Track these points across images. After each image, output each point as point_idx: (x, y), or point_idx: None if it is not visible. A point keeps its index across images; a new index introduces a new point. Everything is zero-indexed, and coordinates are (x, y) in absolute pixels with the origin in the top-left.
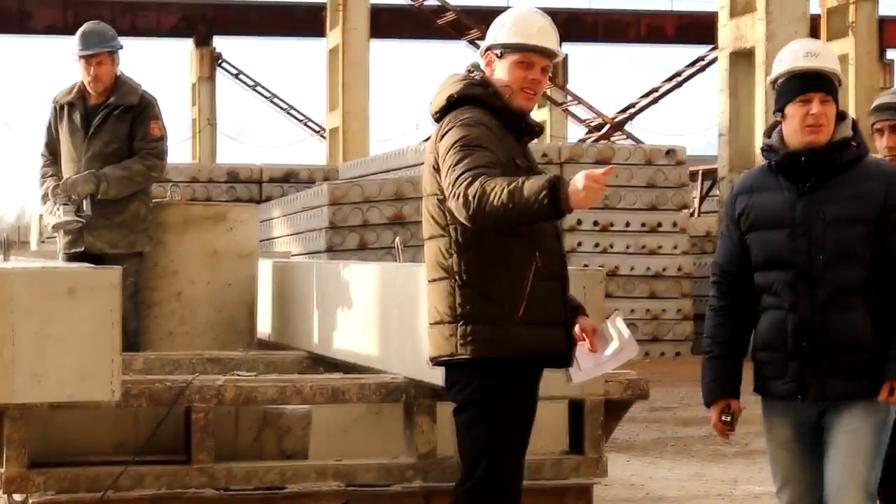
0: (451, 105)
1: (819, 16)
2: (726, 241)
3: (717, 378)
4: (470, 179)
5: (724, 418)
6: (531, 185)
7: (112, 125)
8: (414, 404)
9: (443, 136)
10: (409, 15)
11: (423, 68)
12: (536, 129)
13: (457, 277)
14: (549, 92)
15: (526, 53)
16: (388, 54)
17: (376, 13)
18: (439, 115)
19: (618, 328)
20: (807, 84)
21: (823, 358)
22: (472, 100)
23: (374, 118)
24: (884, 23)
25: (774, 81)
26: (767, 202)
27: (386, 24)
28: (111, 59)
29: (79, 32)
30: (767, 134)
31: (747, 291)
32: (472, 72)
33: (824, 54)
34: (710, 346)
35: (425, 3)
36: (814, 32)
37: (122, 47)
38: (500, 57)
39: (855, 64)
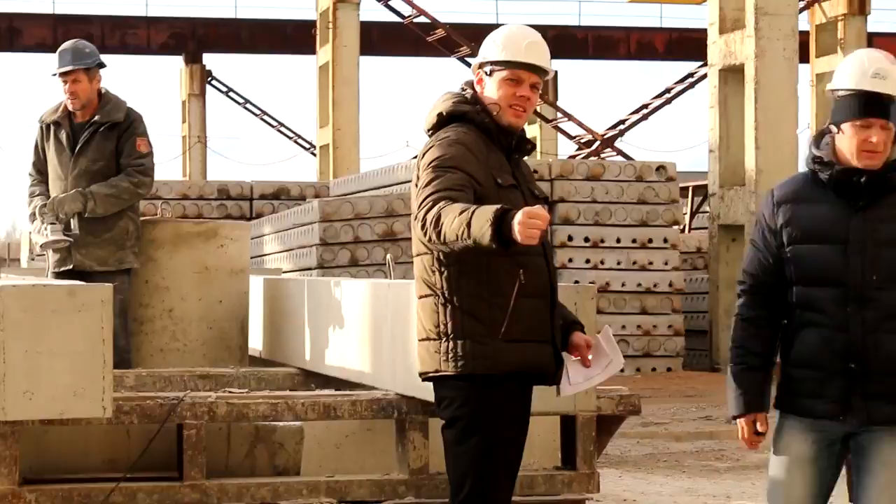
0: (442, 122)
1: (808, 32)
2: (760, 251)
3: (750, 391)
4: (430, 204)
5: (758, 430)
6: (479, 216)
7: (98, 143)
8: (406, 420)
9: (424, 153)
10: (399, 32)
11: (414, 85)
12: (527, 146)
13: (441, 294)
14: (539, 108)
15: (515, 70)
16: (378, 71)
17: (367, 30)
18: (429, 132)
19: (608, 342)
20: (870, 108)
21: (871, 381)
22: (461, 117)
23: (365, 135)
24: (874, 38)
25: (834, 91)
26: (816, 215)
27: (376, 41)
28: (87, 76)
29: (58, 51)
30: (816, 143)
31: (779, 304)
32: (465, 89)
33: (892, 76)
34: (742, 357)
35: (415, 20)
36: (803, 48)
37: (101, 64)
38: (490, 74)
39: None
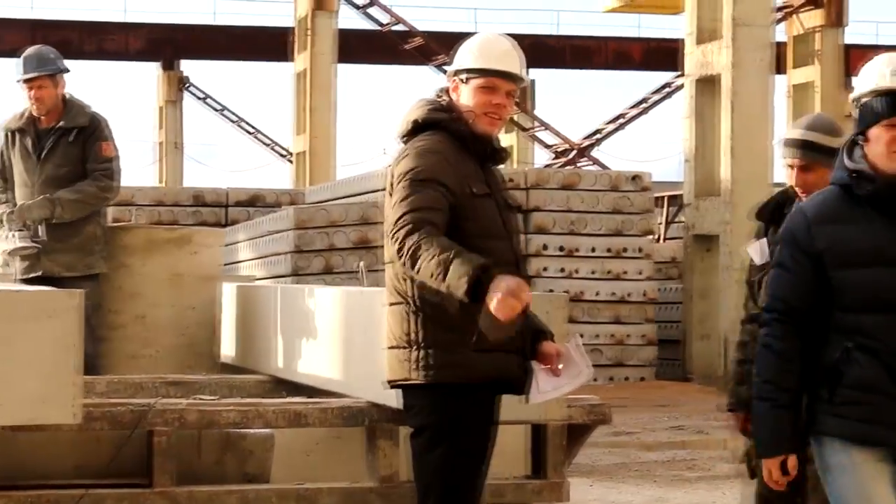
0: (415, 129)
1: (785, 43)
2: (794, 275)
3: (781, 431)
4: (410, 227)
5: (787, 471)
6: (458, 267)
7: (63, 148)
8: (376, 428)
9: (398, 162)
10: (376, 39)
11: (391, 92)
12: (502, 155)
13: (411, 302)
14: (515, 117)
15: (490, 78)
16: (355, 78)
17: (343, 37)
18: (404, 139)
19: (577, 352)
20: (894, 106)
21: None
22: (436, 125)
23: (342, 142)
24: (850, 50)
25: (857, 100)
26: (862, 237)
27: (353, 49)
28: (52, 81)
29: (21, 57)
30: (849, 156)
31: (812, 332)
32: (440, 96)
33: None
34: (771, 394)
35: (393, 27)
36: (780, 60)
37: (66, 70)
38: (465, 82)
39: (821, 91)
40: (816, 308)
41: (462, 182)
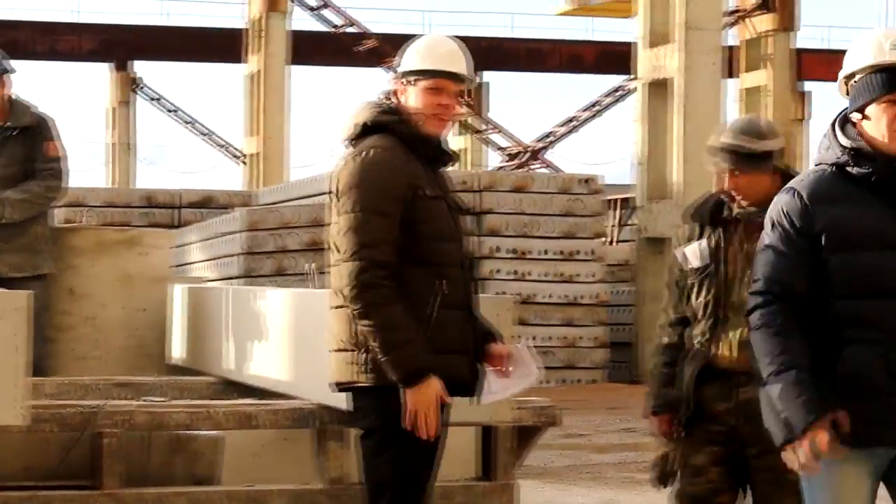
0: (362, 132)
1: (736, 47)
2: (789, 258)
3: (813, 395)
4: (364, 279)
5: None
6: (401, 355)
7: (9, 148)
8: (325, 430)
9: (344, 167)
10: (329, 41)
11: (345, 95)
12: (449, 157)
13: None
14: (468, 120)
15: (436, 79)
16: (309, 80)
17: (296, 39)
18: (350, 142)
19: (525, 354)
20: (894, 82)
21: None
22: (383, 127)
23: (295, 144)
24: (801, 54)
25: (850, 77)
26: (860, 217)
27: (306, 51)
28: None
29: None
30: (843, 134)
31: (809, 319)
32: (386, 99)
33: None
34: (788, 364)
35: (346, 29)
36: (731, 63)
37: (11, 70)
38: (412, 84)
39: (772, 95)
40: (811, 294)
41: (411, 184)
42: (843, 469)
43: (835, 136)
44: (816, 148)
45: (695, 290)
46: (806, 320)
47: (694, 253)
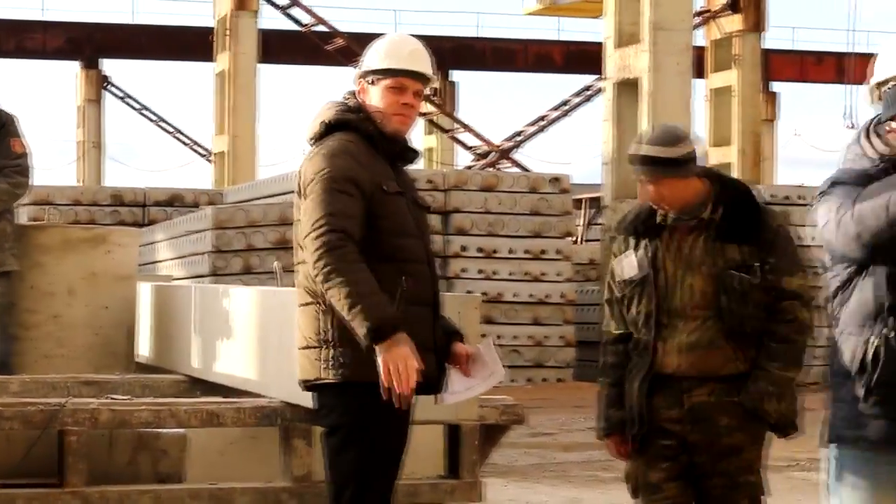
0: (325, 131)
1: (704, 47)
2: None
3: None
4: (328, 240)
5: None
6: (368, 311)
7: None
8: (290, 428)
9: (308, 162)
10: (298, 40)
11: (314, 93)
12: (411, 154)
13: (323, 302)
14: (436, 119)
15: (398, 78)
16: (279, 78)
17: (265, 38)
18: (314, 141)
19: (489, 353)
20: None
21: None
22: (345, 125)
23: (265, 143)
24: (769, 55)
25: (882, 83)
26: None
27: (275, 49)
28: None
29: None
30: (869, 144)
31: None
32: (348, 98)
33: None
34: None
35: (314, 28)
36: (699, 63)
37: None
38: (374, 83)
39: (739, 95)
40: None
41: (374, 180)
42: (881, 479)
43: (869, 142)
44: (842, 157)
45: (634, 301)
46: None
47: (630, 265)
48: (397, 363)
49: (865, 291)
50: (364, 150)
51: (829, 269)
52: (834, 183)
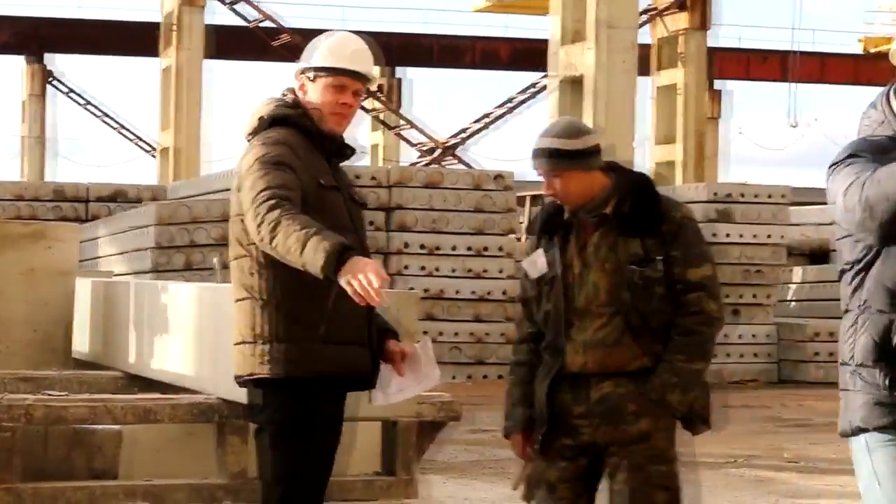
0: (263, 126)
1: (652, 45)
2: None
3: None
4: (271, 203)
5: None
6: (318, 242)
7: None
8: (226, 424)
9: (245, 155)
10: (245, 36)
11: (262, 89)
12: (348, 151)
13: (258, 297)
14: (382, 116)
15: (339, 77)
16: (228, 74)
17: (212, 33)
18: (251, 136)
19: (426, 354)
20: None
21: None
22: (283, 121)
23: (213, 139)
24: (714, 53)
25: None
26: None
27: (222, 45)
28: None
29: None
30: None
31: None
32: (286, 94)
33: None
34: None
35: (261, 24)
36: (644, 61)
37: None
38: (314, 80)
39: (685, 93)
40: None
41: (310, 173)
42: None
43: (891, 108)
44: (859, 124)
45: (543, 300)
46: None
47: (534, 263)
48: (359, 279)
49: (889, 268)
50: (301, 144)
51: (841, 239)
52: (851, 155)
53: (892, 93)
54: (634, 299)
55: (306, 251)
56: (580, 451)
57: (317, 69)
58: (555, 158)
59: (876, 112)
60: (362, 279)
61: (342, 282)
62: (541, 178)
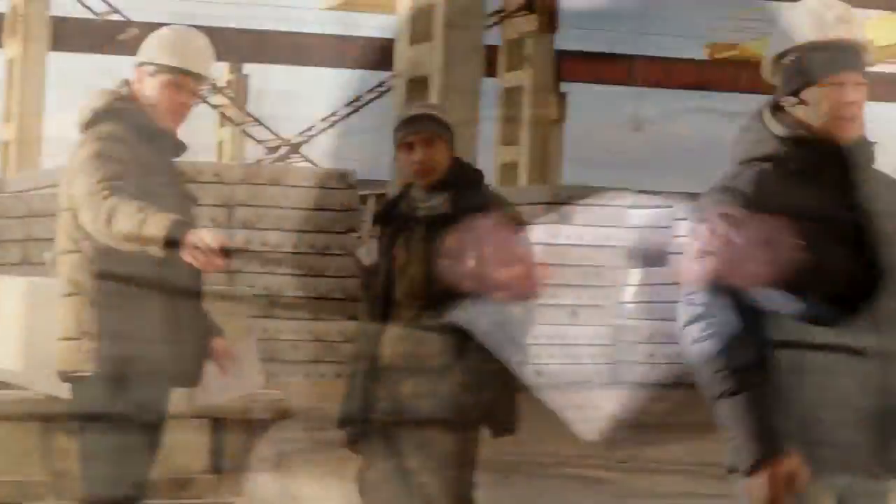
0: (95, 119)
1: (499, 46)
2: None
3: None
4: (107, 193)
5: None
6: (157, 220)
7: None
8: (51, 421)
9: (78, 150)
10: (93, 29)
11: (112, 83)
12: (180, 148)
13: (86, 293)
14: (227, 112)
15: (176, 75)
16: (73, 68)
17: (58, 25)
18: (85, 128)
19: (250, 357)
20: (839, 60)
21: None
22: (115, 114)
23: (57, 133)
24: (561, 56)
25: (781, 56)
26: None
27: (68, 37)
28: None
29: None
30: (776, 123)
31: None
32: (121, 87)
33: (855, 21)
34: None
35: (107, 17)
36: (491, 63)
37: None
38: (151, 75)
39: (530, 95)
40: None
41: (141, 169)
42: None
43: (760, 125)
44: (732, 144)
45: (369, 290)
46: None
47: (368, 253)
48: (197, 247)
49: None
50: (133, 138)
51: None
52: (724, 189)
53: (766, 111)
54: (442, 293)
55: (147, 227)
56: (392, 449)
57: (155, 65)
58: (431, 123)
59: (749, 133)
60: (201, 246)
61: (184, 253)
62: (400, 155)
